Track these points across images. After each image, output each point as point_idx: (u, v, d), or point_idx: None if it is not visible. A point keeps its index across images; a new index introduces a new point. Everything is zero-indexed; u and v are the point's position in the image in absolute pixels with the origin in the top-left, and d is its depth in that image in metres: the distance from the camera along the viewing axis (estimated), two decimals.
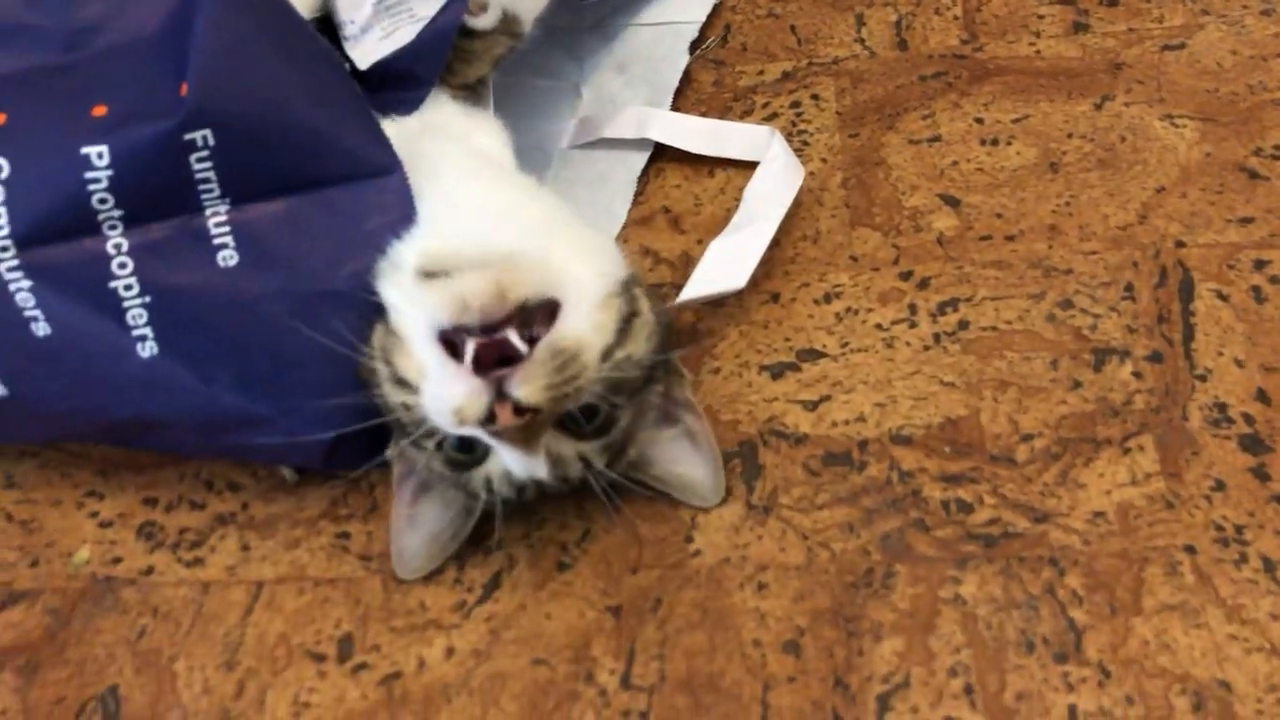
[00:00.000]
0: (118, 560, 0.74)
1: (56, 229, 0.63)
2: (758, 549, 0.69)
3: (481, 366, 0.59)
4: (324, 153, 0.66)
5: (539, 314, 0.62)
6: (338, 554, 0.72)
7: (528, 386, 0.59)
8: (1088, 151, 0.84)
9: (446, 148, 0.71)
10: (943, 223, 0.82)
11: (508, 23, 0.78)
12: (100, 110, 0.64)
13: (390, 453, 0.68)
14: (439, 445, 0.64)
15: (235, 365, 0.66)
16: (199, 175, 0.64)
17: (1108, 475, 0.69)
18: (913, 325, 0.77)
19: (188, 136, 0.62)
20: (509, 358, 0.60)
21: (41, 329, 0.65)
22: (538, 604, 0.68)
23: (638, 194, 0.88)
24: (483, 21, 0.76)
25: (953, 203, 0.83)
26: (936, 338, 0.76)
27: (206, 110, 0.62)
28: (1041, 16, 0.93)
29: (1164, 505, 0.67)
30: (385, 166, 0.67)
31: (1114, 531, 0.66)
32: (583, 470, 0.65)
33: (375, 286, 0.66)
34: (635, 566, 0.69)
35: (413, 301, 0.63)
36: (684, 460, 0.70)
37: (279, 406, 0.67)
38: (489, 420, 0.59)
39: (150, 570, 0.73)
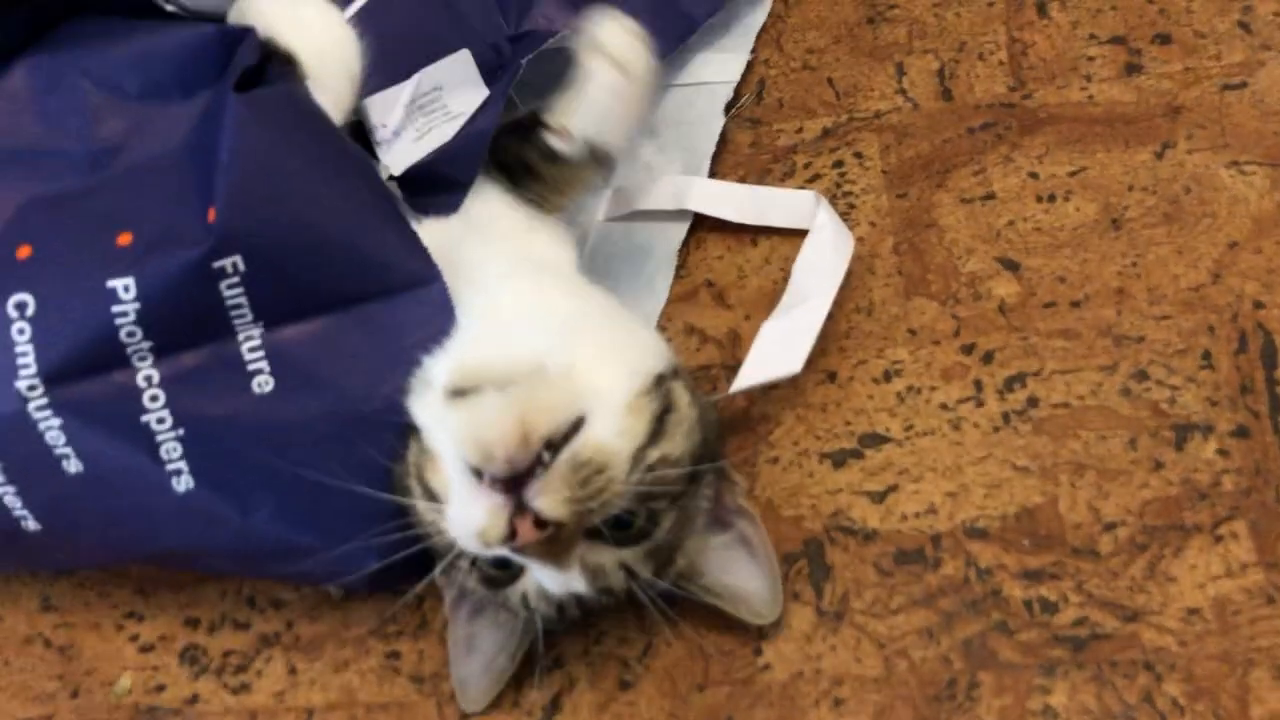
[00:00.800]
0: (161, 688, 0.71)
1: (84, 364, 0.61)
2: (832, 660, 0.65)
3: (500, 481, 0.57)
4: (359, 268, 0.63)
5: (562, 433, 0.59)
6: (389, 676, 0.69)
7: (548, 498, 0.56)
8: (1151, 205, 0.80)
9: (484, 253, 0.68)
10: (1003, 289, 0.78)
11: (596, 153, 0.74)
12: (125, 239, 0.61)
13: (439, 576, 0.65)
14: (473, 563, 0.61)
15: (275, 495, 0.63)
16: (230, 301, 0.61)
17: (1200, 567, 0.65)
18: (979, 404, 0.73)
19: (217, 264, 0.60)
20: (530, 470, 0.57)
21: (73, 466, 0.63)
22: None
23: (679, 267, 0.85)
24: (566, 147, 0.73)
25: (1012, 267, 0.79)
26: (1006, 417, 0.72)
27: (235, 236, 0.60)
28: (1091, 58, 0.89)
29: (1264, 600, 0.63)
30: (424, 277, 0.64)
31: (1212, 630, 0.62)
32: (627, 580, 0.61)
33: (405, 404, 0.63)
34: (702, 683, 0.65)
35: (440, 424, 0.61)
36: (737, 570, 0.65)
37: (321, 535, 0.64)
38: (511, 536, 0.57)
39: (195, 699, 0.70)
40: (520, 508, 0.57)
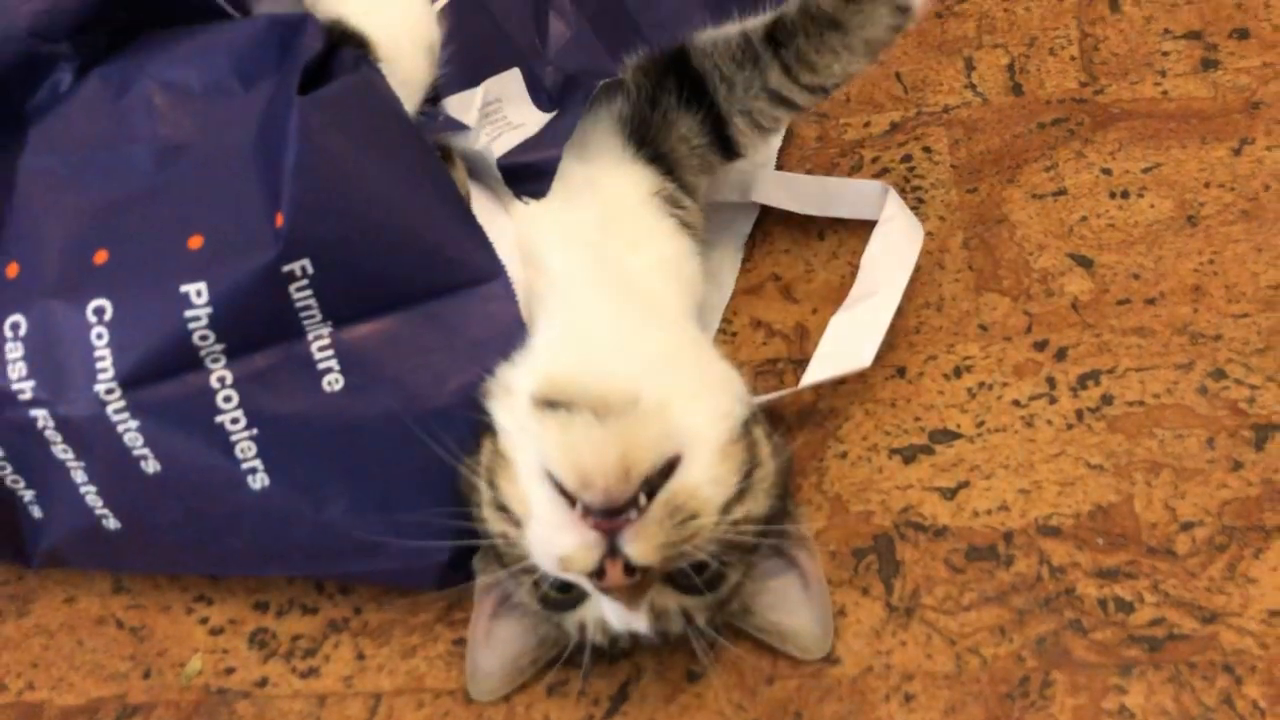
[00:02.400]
0: (230, 670, 0.72)
1: (160, 367, 0.62)
2: (902, 656, 0.65)
3: (593, 514, 0.55)
4: (425, 266, 0.63)
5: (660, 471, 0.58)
6: (456, 662, 0.69)
7: (641, 545, 0.55)
8: (1228, 202, 0.79)
9: (586, 257, 0.68)
10: (1076, 286, 0.77)
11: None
12: (196, 241, 0.61)
13: (477, 564, 0.66)
14: (536, 583, 0.61)
15: (348, 491, 0.64)
16: (299, 303, 0.61)
17: None
18: (1052, 401, 0.72)
19: (286, 268, 0.60)
20: (625, 507, 0.56)
21: (151, 466, 0.64)
22: (669, 718, 0.65)
23: (745, 260, 0.85)
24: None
25: (1085, 263, 0.78)
26: (1079, 415, 0.71)
27: (304, 241, 0.60)
28: (1166, 53, 0.88)
29: None
30: (488, 273, 0.64)
31: None
32: (684, 625, 0.60)
33: (485, 405, 0.62)
34: (771, 677, 0.65)
35: (526, 431, 0.59)
36: (787, 608, 0.64)
37: (393, 530, 0.64)
38: (598, 575, 0.56)
39: (264, 681, 0.71)
40: (614, 552, 0.55)
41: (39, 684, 0.73)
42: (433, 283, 0.64)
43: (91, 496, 0.67)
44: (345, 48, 0.65)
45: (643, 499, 0.56)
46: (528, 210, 0.70)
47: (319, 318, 0.63)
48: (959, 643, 0.64)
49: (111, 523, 0.67)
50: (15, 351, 0.63)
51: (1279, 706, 0.59)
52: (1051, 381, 0.73)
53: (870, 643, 0.65)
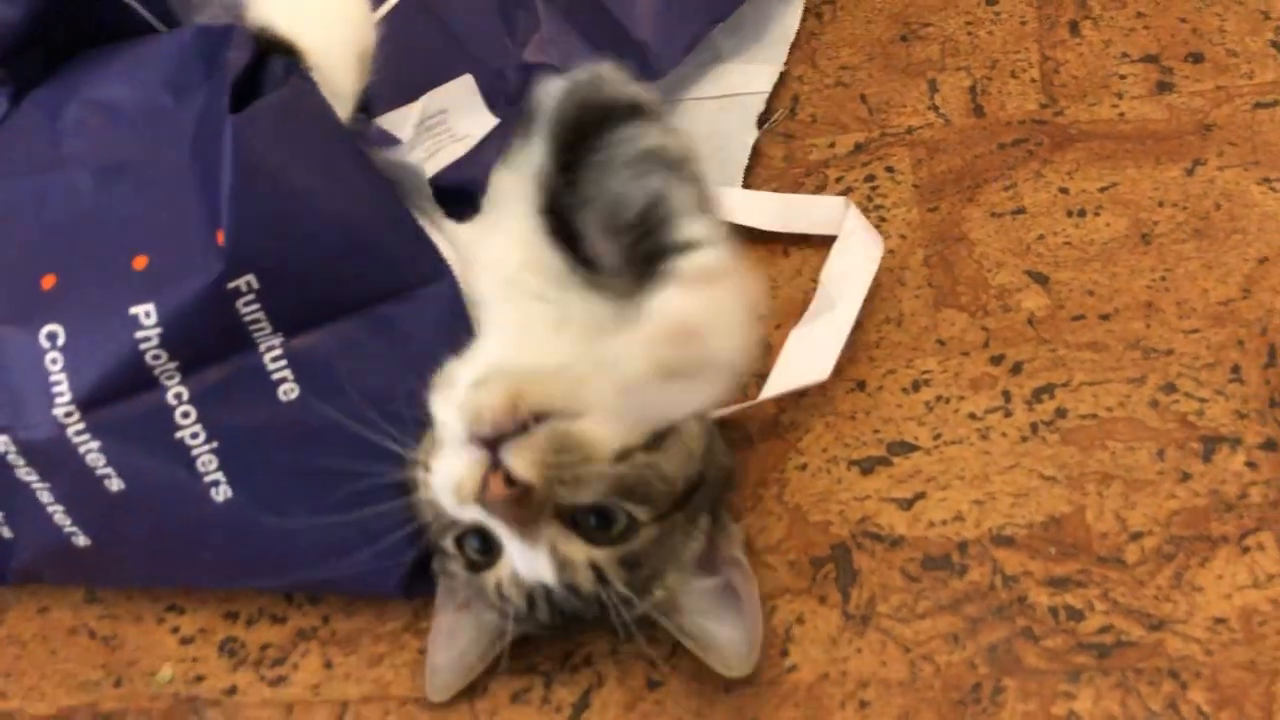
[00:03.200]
0: (200, 679, 0.73)
1: (116, 388, 0.63)
2: (858, 663, 0.66)
3: (483, 439, 0.59)
4: (369, 271, 0.65)
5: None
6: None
7: (520, 457, 0.58)
8: (1181, 221, 0.81)
9: (512, 289, 0.68)
10: (1032, 302, 0.79)
11: None
12: (141, 262, 0.63)
13: (435, 568, 0.67)
14: (459, 544, 0.63)
15: (310, 497, 0.65)
16: (248, 317, 0.63)
17: (1226, 577, 0.65)
18: (1008, 414, 0.74)
19: (231, 285, 0.61)
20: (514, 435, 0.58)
21: (115, 484, 0.65)
22: None
23: None
24: None
25: (1041, 280, 0.80)
26: (1034, 427, 0.73)
27: (246, 258, 0.61)
28: (1123, 76, 0.90)
29: None
30: (432, 274, 0.66)
31: (1238, 640, 0.63)
32: (595, 583, 0.61)
33: (429, 400, 0.64)
34: (729, 685, 0.66)
35: (451, 407, 0.61)
36: (716, 616, 0.64)
37: (357, 535, 0.65)
38: (483, 490, 0.58)
39: (234, 690, 0.72)
40: (495, 465, 0.58)
41: (11, 693, 0.74)
42: (379, 287, 0.65)
43: (59, 516, 0.68)
44: (275, 56, 0.65)
45: (534, 425, 0.58)
46: (457, 230, 0.71)
47: (269, 330, 0.64)
48: (913, 650, 0.66)
49: (81, 540, 0.68)
50: None
51: (1222, 712, 0.61)
52: (1007, 395, 0.75)
53: (827, 650, 0.67)
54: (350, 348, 0.65)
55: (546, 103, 0.70)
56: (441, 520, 0.63)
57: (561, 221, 0.68)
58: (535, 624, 0.64)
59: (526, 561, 0.61)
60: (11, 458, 0.66)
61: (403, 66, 0.72)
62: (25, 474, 0.66)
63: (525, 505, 0.58)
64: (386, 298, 0.66)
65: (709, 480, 0.65)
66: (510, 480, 0.58)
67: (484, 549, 0.63)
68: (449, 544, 0.64)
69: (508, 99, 0.79)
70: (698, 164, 0.66)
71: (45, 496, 0.67)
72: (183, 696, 0.72)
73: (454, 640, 0.68)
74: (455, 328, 0.66)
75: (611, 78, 0.70)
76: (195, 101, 0.66)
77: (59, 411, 0.63)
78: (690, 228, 0.61)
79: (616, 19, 0.88)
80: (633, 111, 0.68)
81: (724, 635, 0.64)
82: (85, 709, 0.73)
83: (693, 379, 0.56)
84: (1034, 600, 0.66)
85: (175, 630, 0.75)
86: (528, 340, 0.66)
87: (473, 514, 0.61)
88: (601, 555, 0.61)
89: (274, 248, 0.62)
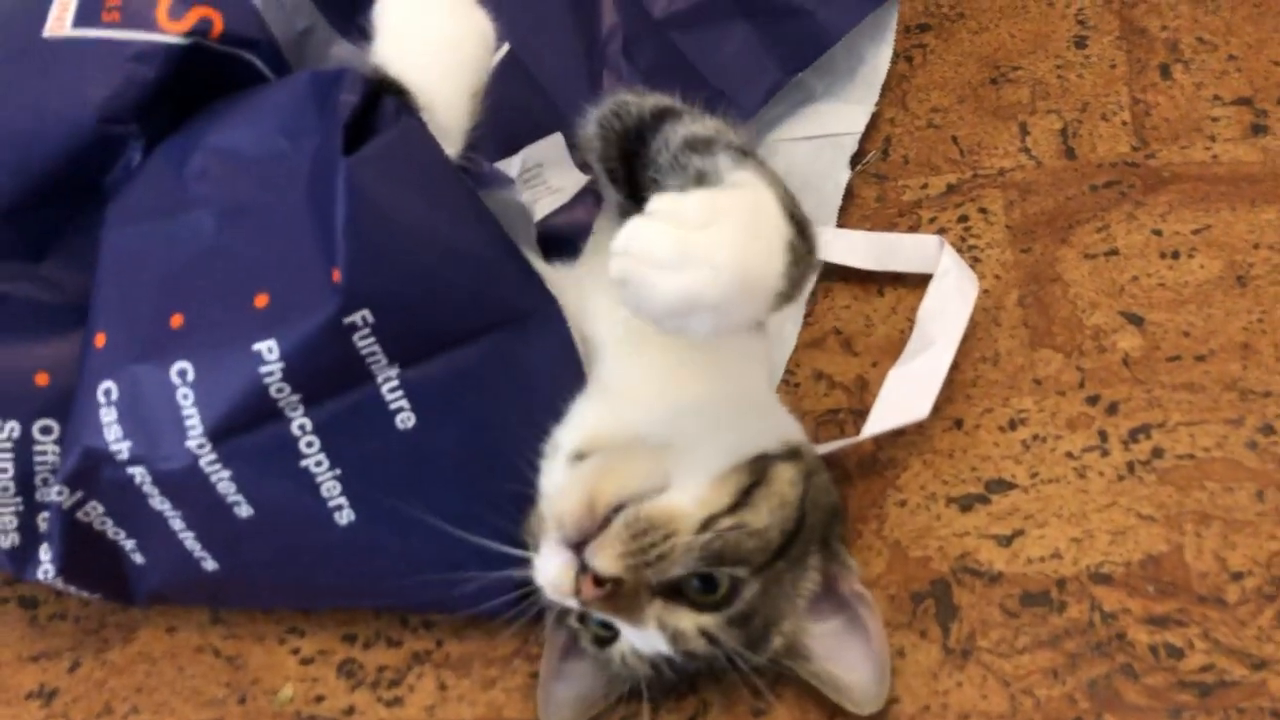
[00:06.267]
0: (320, 699, 0.76)
1: (243, 420, 0.67)
2: (958, 696, 0.67)
3: (570, 543, 0.62)
4: (479, 303, 0.68)
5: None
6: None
7: (600, 556, 0.61)
8: (1277, 263, 0.82)
9: (625, 326, 0.71)
10: (1127, 342, 0.80)
11: None
12: (262, 300, 0.66)
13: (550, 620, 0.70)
14: (585, 626, 0.66)
15: (427, 520, 0.68)
16: (364, 350, 0.66)
17: None
18: (1104, 454, 0.75)
19: (347, 320, 0.65)
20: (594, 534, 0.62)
21: (244, 511, 0.69)
22: None
23: (806, 315, 0.89)
24: None
25: (1136, 321, 0.81)
26: (1130, 467, 0.74)
27: (361, 294, 0.64)
28: (1216, 119, 0.91)
29: None
30: (539, 306, 0.69)
31: None
32: (709, 647, 0.63)
33: (539, 466, 0.68)
34: (833, 714, 0.68)
35: (556, 487, 0.65)
36: (845, 658, 0.66)
37: (471, 556, 0.69)
38: (577, 592, 0.62)
39: (351, 710, 0.75)
40: (584, 568, 0.62)
41: (143, 708, 0.78)
42: (490, 318, 0.69)
43: (190, 542, 0.72)
44: (387, 96, 0.68)
45: (614, 517, 0.61)
46: (560, 273, 0.74)
47: (384, 361, 0.67)
48: (1013, 684, 0.67)
49: (210, 564, 0.72)
50: (110, 415, 0.69)
51: None
52: (1103, 435, 0.76)
53: (927, 683, 0.68)
54: (464, 377, 0.69)
55: (591, 142, 0.75)
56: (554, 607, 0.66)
57: None
58: (664, 686, 0.67)
59: (640, 639, 0.63)
60: (146, 488, 0.70)
61: (501, 120, 0.76)
62: (158, 503, 0.70)
63: (619, 596, 0.62)
64: (498, 328, 0.69)
65: (810, 524, 0.66)
66: (599, 580, 0.61)
67: (606, 624, 0.65)
68: (573, 620, 0.67)
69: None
70: (728, 134, 0.69)
71: (177, 524, 0.71)
72: (304, 715, 0.75)
73: (570, 680, 0.70)
74: (565, 360, 0.70)
75: (628, 98, 0.74)
76: (310, 144, 0.69)
77: (192, 443, 0.67)
78: (706, 163, 0.63)
79: (697, 71, 0.91)
80: (659, 117, 0.71)
81: (854, 677, 0.65)
82: None
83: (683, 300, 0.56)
84: (1133, 638, 0.67)
85: (296, 651, 0.79)
86: (642, 385, 0.69)
87: (570, 603, 0.64)
88: (710, 621, 0.63)
89: (388, 283, 0.65)
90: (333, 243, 0.65)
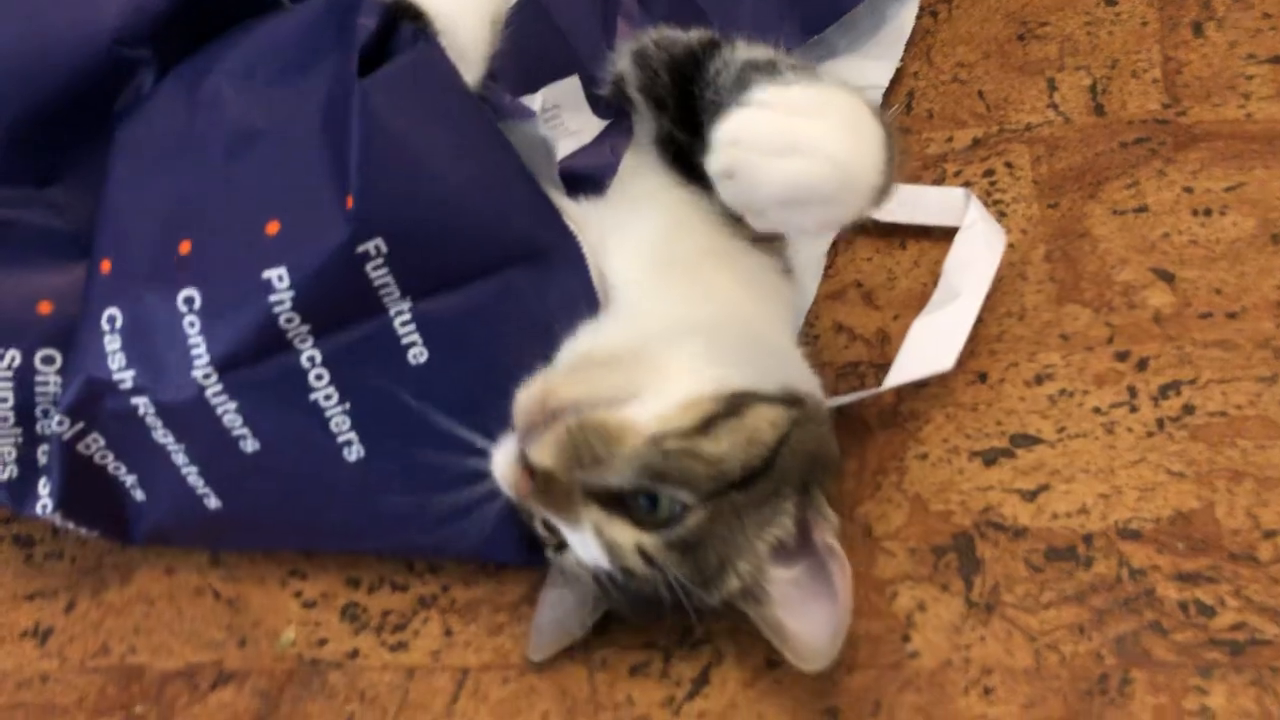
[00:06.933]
0: (323, 642, 0.74)
1: (251, 350, 0.65)
2: (981, 650, 0.66)
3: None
4: (496, 237, 0.65)
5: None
6: None
7: (535, 447, 0.60)
8: None
9: (647, 263, 0.69)
10: (1158, 299, 0.78)
11: None
12: (273, 227, 0.64)
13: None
14: (546, 526, 0.64)
15: (438, 460, 0.66)
16: (377, 281, 0.64)
17: None
18: (1133, 410, 0.73)
19: (360, 249, 0.62)
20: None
21: (250, 445, 0.67)
22: (749, 702, 0.67)
23: (827, 267, 0.87)
24: None
25: (1167, 277, 0.79)
26: (1160, 423, 0.72)
27: (374, 222, 0.62)
28: (1250, 77, 0.89)
29: None
30: (558, 242, 0.67)
31: None
32: (648, 568, 0.60)
33: None
34: (851, 666, 0.66)
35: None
36: (800, 610, 0.62)
37: (481, 500, 0.67)
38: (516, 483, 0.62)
39: (355, 654, 0.73)
40: (524, 458, 0.61)
41: (140, 649, 0.76)
42: (507, 253, 0.66)
43: (193, 477, 0.70)
44: (404, 21, 0.65)
45: (564, 417, 0.60)
46: (583, 208, 0.71)
47: (398, 294, 0.65)
48: (1038, 639, 0.65)
49: (212, 502, 0.70)
50: (114, 343, 0.67)
51: None
52: (1133, 391, 0.74)
53: (949, 637, 0.67)
54: (478, 313, 0.66)
55: (629, 74, 0.73)
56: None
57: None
58: (614, 604, 0.65)
59: (579, 545, 0.62)
60: (149, 420, 0.68)
61: (524, 60, 0.73)
62: (161, 435, 0.68)
63: (552, 493, 0.60)
64: (515, 263, 0.67)
65: (784, 466, 0.62)
66: (532, 472, 0.60)
67: (551, 527, 0.64)
68: (540, 527, 0.65)
69: (606, 105, 0.79)
70: (786, 57, 0.67)
71: (180, 459, 0.69)
72: (306, 659, 0.74)
73: (550, 605, 0.69)
74: (584, 299, 0.67)
75: (668, 31, 0.72)
76: (326, 70, 0.67)
77: (198, 373, 0.65)
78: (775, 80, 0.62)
79: (713, 25, 0.89)
80: (711, 44, 0.69)
81: (804, 629, 0.62)
82: (211, 666, 0.74)
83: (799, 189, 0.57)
84: (1162, 594, 0.66)
85: (298, 595, 0.77)
86: (654, 317, 0.67)
87: (513, 495, 0.63)
88: (648, 540, 0.60)
89: (402, 212, 0.63)
90: (346, 169, 0.63)
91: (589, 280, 0.68)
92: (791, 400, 0.65)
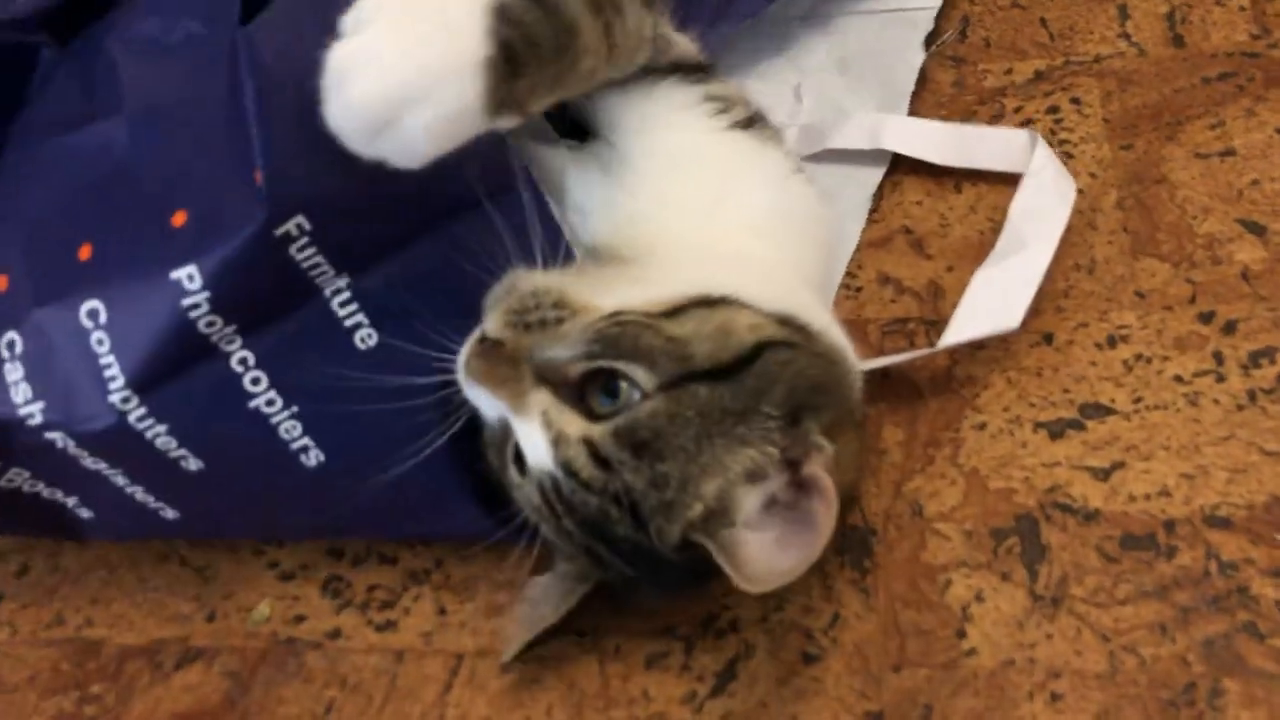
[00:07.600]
0: (301, 619, 0.66)
1: (171, 363, 0.55)
2: (1047, 650, 0.58)
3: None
4: (431, 188, 0.54)
5: None
6: None
7: (491, 316, 0.56)
8: None
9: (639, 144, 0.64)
10: (1246, 254, 0.70)
11: None
12: (180, 218, 0.54)
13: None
14: (518, 465, 0.56)
15: (410, 447, 0.57)
16: (305, 264, 0.55)
17: None
18: (1220, 379, 0.65)
19: (279, 231, 0.53)
20: None
21: (193, 464, 0.58)
22: (781, 702, 0.59)
23: (872, 211, 0.78)
24: None
25: (1257, 230, 0.70)
26: (1251, 395, 0.64)
27: (290, 196, 0.52)
28: None
29: None
30: (501, 184, 0.57)
31: None
32: (596, 468, 0.53)
33: None
34: (898, 664, 0.59)
35: None
36: (764, 530, 0.53)
37: (463, 482, 0.59)
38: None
39: (337, 633, 0.65)
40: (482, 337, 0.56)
41: (98, 621, 0.68)
42: (445, 205, 0.57)
43: (140, 495, 0.61)
44: None
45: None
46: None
47: (331, 273, 0.56)
48: (1113, 640, 0.58)
49: (169, 512, 0.62)
50: (15, 372, 0.56)
51: None
52: (1219, 357, 0.66)
53: (1011, 633, 0.59)
54: (424, 278, 0.57)
55: None
56: (491, 444, 0.58)
57: None
58: (557, 530, 0.56)
59: (525, 440, 0.55)
60: (72, 451, 0.58)
61: None
62: (92, 463, 0.59)
63: (498, 361, 0.55)
64: (455, 214, 0.57)
65: (764, 379, 0.54)
66: (483, 338, 0.56)
67: (519, 456, 0.56)
68: (513, 474, 0.57)
69: None
70: None
71: (120, 480, 0.60)
72: (281, 637, 0.66)
73: (535, 600, 0.61)
74: (534, 236, 0.58)
75: None
76: (227, 25, 0.56)
77: (115, 398, 0.55)
78: None
79: None
80: None
81: (760, 552, 0.53)
82: (176, 642, 0.67)
83: None
84: (1258, 592, 0.58)
85: (274, 565, 0.69)
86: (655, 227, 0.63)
87: (474, 395, 0.56)
88: (597, 430, 0.53)
89: (321, 180, 0.53)
90: (248, 139, 0.52)
91: (548, 213, 0.59)
92: (782, 320, 0.57)
